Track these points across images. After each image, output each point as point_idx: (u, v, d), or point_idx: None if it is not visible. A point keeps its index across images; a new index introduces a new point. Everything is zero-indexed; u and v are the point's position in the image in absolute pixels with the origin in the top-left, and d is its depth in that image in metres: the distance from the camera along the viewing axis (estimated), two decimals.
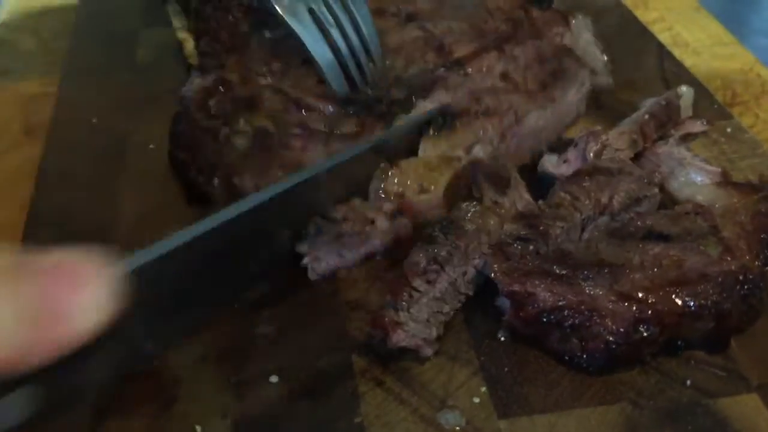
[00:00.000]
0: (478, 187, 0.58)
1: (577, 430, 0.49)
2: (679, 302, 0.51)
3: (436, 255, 0.54)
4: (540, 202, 0.59)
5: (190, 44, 0.83)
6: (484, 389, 0.51)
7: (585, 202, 0.58)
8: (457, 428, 0.49)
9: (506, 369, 0.53)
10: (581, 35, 0.76)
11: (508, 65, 0.68)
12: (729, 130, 0.74)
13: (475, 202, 0.58)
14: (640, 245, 0.55)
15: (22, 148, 0.76)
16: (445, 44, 0.71)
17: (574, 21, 0.75)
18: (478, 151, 0.63)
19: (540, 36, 0.73)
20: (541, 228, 0.56)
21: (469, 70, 0.68)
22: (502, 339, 0.55)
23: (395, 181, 0.60)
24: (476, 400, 0.51)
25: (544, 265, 0.53)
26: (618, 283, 0.52)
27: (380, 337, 0.51)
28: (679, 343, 0.53)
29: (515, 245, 0.54)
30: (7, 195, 0.70)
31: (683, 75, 0.83)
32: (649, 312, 0.51)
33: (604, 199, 0.59)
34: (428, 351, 0.53)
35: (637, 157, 0.66)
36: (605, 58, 0.75)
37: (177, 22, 0.90)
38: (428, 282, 0.54)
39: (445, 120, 0.62)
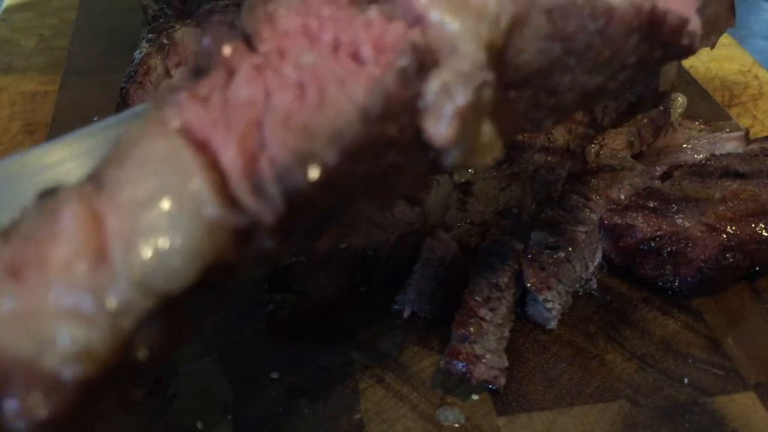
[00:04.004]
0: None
1: (576, 428, 0.49)
2: (759, 230, 0.57)
3: (498, 282, 0.54)
4: (555, 207, 0.60)
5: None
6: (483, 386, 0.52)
7: (597, 200, 0.60)
8: (456, 425, 0.50)
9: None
10: None
11: None
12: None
13: (512, 219, 0.58)
14: (719, 182, 0.60)
15: (22, 146, 0.76)
16: None
17: None
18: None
19: None
20: (567, 234, 0.57)
21: None
22: None
23: (477, 210, 0.60)
24: (475, 397, 0.51)
25: (638, 200, 0.59)
26: (704, 215, 0.57)
27: (460, 372, 0.50)
28: (758, 269, 0.58)
29: (546, 254, 0.55)
30: None
31: (682, 75, 0.83)
32: (734, 240, 0.56)
33: (613, 194, 0.60)
34: (502, 380, 0.51)
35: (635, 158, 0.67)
36: None
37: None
38: (491, 310, 0.53)
39: None
